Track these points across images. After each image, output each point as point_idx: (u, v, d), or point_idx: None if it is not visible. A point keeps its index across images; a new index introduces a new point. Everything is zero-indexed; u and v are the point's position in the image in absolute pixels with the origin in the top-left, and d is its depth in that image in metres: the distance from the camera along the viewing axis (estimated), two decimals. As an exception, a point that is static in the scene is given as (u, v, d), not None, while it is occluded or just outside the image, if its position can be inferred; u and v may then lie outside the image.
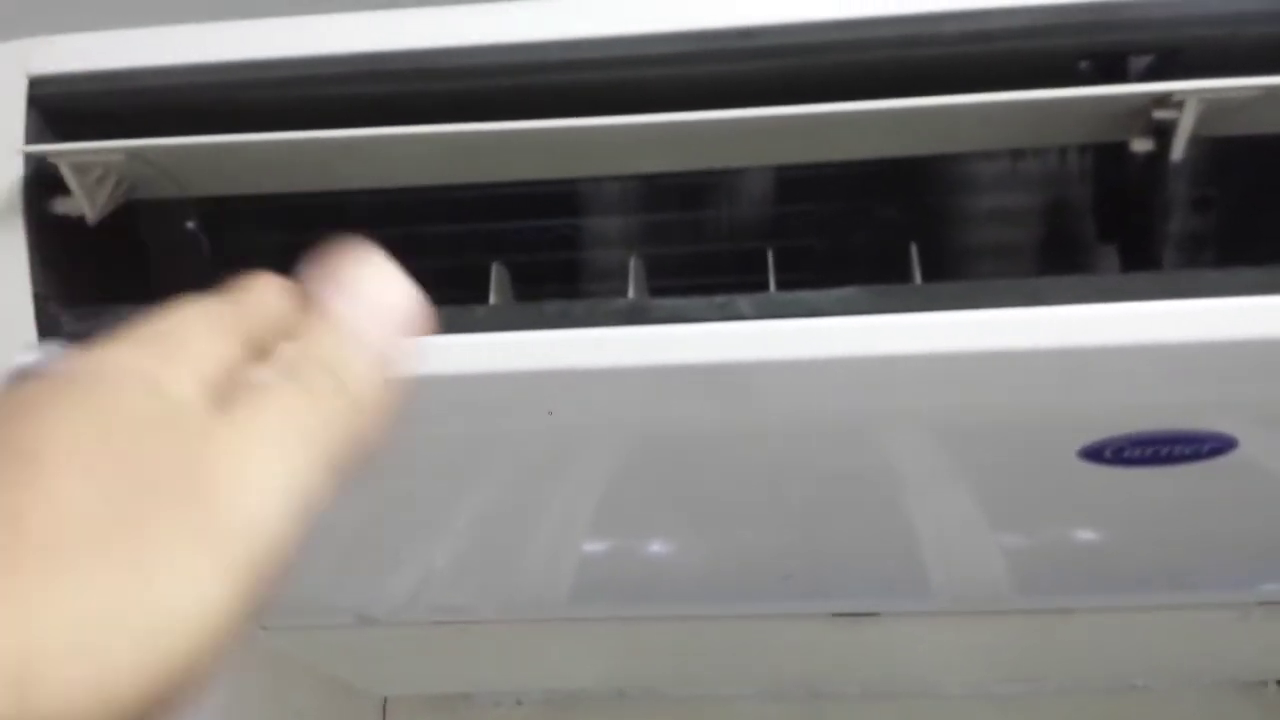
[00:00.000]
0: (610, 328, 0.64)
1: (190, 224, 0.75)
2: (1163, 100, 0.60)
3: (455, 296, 0.71)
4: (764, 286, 0.73)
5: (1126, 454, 0.68)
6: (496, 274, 0.70)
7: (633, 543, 0.94)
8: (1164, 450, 0.68)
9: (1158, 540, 0.87)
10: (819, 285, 0.65)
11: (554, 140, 0.68)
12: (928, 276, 0.72)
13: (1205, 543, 0.88)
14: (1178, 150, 0.61)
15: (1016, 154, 0.73)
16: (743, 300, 0.65)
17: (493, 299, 0.70)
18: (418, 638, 1.24)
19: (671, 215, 0.76)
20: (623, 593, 1.02)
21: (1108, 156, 0.70)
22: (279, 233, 0.76)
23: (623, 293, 0.72)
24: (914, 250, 0.70)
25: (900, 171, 0.74)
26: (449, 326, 0.65)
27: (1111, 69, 0.67)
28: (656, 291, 0.76)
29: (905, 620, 1.04)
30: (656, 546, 0.93)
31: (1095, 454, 0.68)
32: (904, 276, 0.71)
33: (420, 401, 0.71)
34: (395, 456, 0.79)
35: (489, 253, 0.73)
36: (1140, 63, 0.66)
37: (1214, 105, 0.61)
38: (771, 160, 0.70)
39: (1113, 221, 0.69)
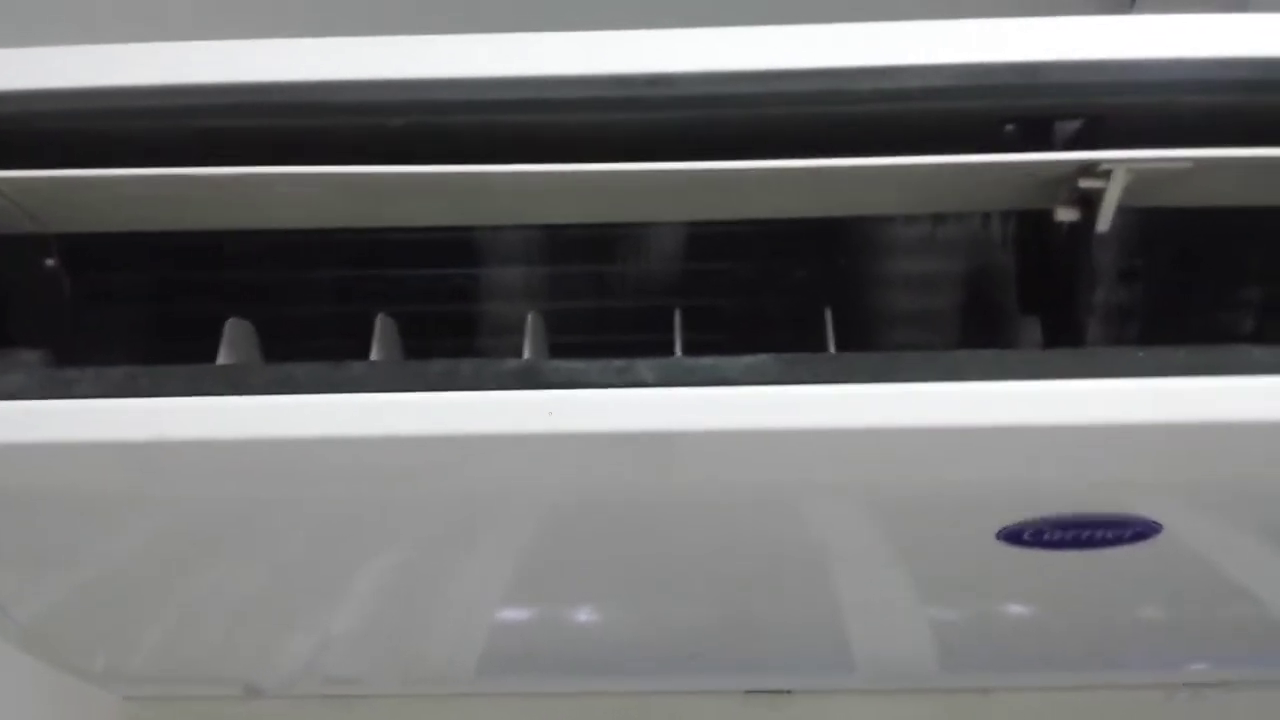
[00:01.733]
0: (500, 391, 0.59)
1: (50, 261, 0.69)
2: (1089, 169, 0.57)
3: (338, 347, 0.66)
4: (671, 346, 0.69)
5: (1046, 537, 0.64)
6: (381, 325, 0.65)
7: (534, 614, 0.89)
8: (1085, 534, 0.64)
9: (1081, 621, 0.84)
10: (729, 347, 0.61)
11: (449, 186, 0.64)
12: (843, 342, 0.69)
13: (1130, 624, 0.85)
14: (1104, 221, 0.58)
15: (938, 218, 0.69)
16: (644, 365, 0.60)
17: (375, 353, 0.64)
18: (310, 713, 1.17)
19: (575, 268, 0.71)
20: (525, 667, 0.96)
21: (1031, 224, 0.67)
22: (148, 273, 0.71)
23: (520, 349, 0.67)
24: (828, 315, 0.66)
25: (817, 232, 0.71)
26: (324, 385, 0.60)
27: (1037, 134, 0.64)
28: (558, 348, 0.71)
29: (821, 699, 0.99)
30: (561, 618, 0.88)
31: (1014, 536, 0.64)
32: (818, 340, 0.68)
33: (297, 463, 0.66)
34: (276, 518, 0.74)
35: (375, 301, 0.68)
36: (1067, 128, 0.63)
37: (1142, 176, 0.58)
38: (682, 216, 0.66)
39: (1036, 292, 0.66)
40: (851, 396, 0.58)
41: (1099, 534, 0.64)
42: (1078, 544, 0.64)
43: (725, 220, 0.69)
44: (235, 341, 0.68)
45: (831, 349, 0.65)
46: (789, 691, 0.96)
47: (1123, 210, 0.67)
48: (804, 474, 0.63)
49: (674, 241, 0.71)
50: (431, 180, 0.60)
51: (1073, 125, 0.63)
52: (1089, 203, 0.59)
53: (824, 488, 0.64)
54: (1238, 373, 0.57)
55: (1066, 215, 0.59)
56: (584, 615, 0.87)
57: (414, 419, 0.59)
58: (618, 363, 0.60)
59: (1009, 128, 0.64)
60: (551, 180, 0.59)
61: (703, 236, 0.71)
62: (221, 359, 0.66)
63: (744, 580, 0.76)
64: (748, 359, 0.59)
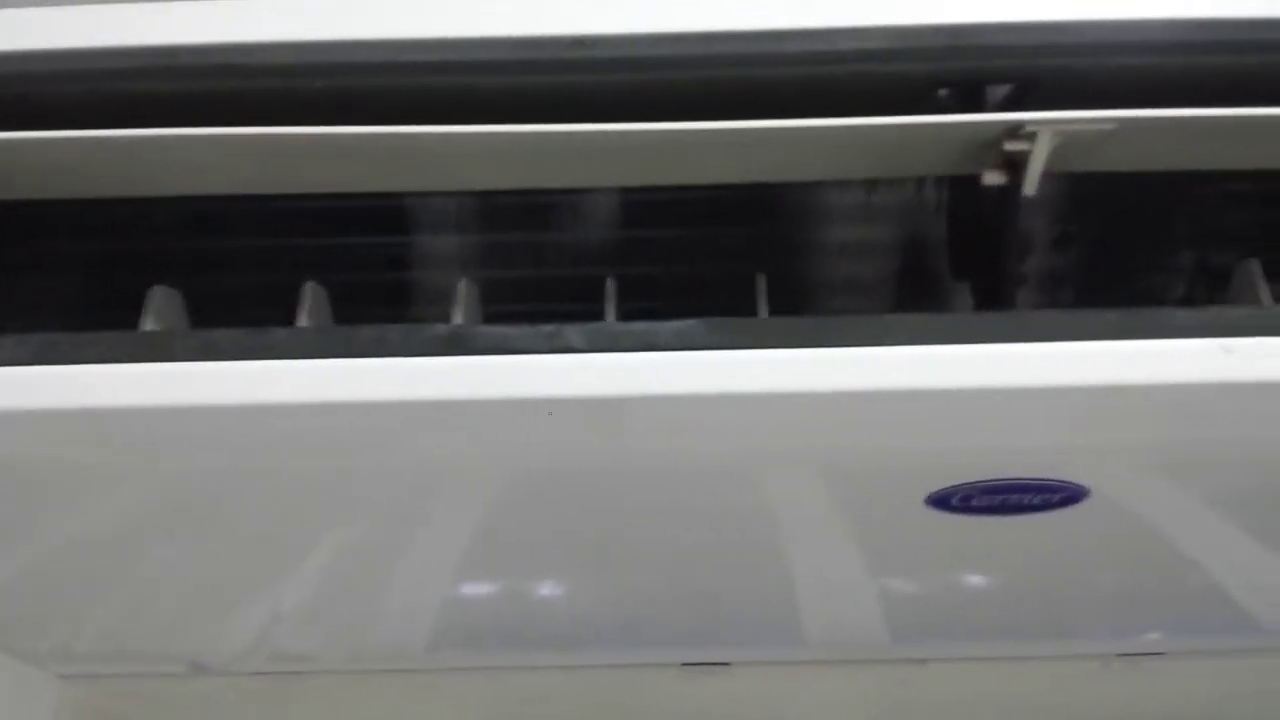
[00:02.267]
0: (427, 357, 0.59)
1: (-28, 231, 0.68)
2: (1015, 131, 0.57)
3: (269, 317, 0.65)
4: (604, 314, 0.68)
5: (975, 502, 0.65)
6: (310, 294, 0.64)
7: (473, 588, 0.88)
8: (1013, 499, 0.64)
9: (1014, 591, 0.85)
10: (664, 314, 0.60)
11: (374, 150, 0.63)
12: (777, 309, 0.68)
13: (1063, 594, 0.85)
14: (1030, 184, 0.58)
15: (871, 185, 0.69)
16: (573, 330, 0.59)
17: (302, 320, 0.63)
18: (258, 689, 1.16)
19: (509, 236, 0.71)
20: (463, 641, 0.95)
21: (964, 190, 0.67)
22: (70, 242, 0.69)
23: (452, 318, 0.66)
24: (760, 281, 0.66)
25: (753, 199, 0.70)
26: (247, 351, 0.59)
27: (970, 98, 0.64)
28: (493, 317, 0.70)
29: (759, 670, 0.99)
30: (495, 592, 0.88)
31: (943, 502, 0.65)
32: (752, 307, 0.68)
33: (221, 431, 0.65)
34: (210, 489, 0.73)
35: (307, 271, 0.67)
36: (998, 92, 0.63)
37: (1068, 139, 0.58)
38: (613, 182, 0.66)
39: (968, 258, 0.66)
40: (780, 361, 0.58)
41: (1026, 499, 0.64)
42: (1005, 509, 0.65)
43: (661, 187, 0.68)
44: (160, 310, 0.67)
45: (764, 315, 0.65)
46: (727, 664, 0.96)
47: (1054, 176, 0.67)
48: (734, 440, 0.62)
49: (609, 209, 0.70)
50: (353, 143, 0.59)
51: (1004, 90, 0.63)
52: (1016, 167, 0.59)
53: (754, 454, 0.64)
54: (1162, 336, 0.57)
55: (994, 179, 0.59)
56: (518, 588, 0.86)
57: (339, 385, 0.58)
58: (546, 328, 0.59)
59: (942, 92, 0.64)
60: (476, 142, 0.58)
61: (639, 204, 0.70)
62: (146, 327, 0.65)
63: (678, 550, 0.76)
64: (677, 324, 0.59)
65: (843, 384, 0.58)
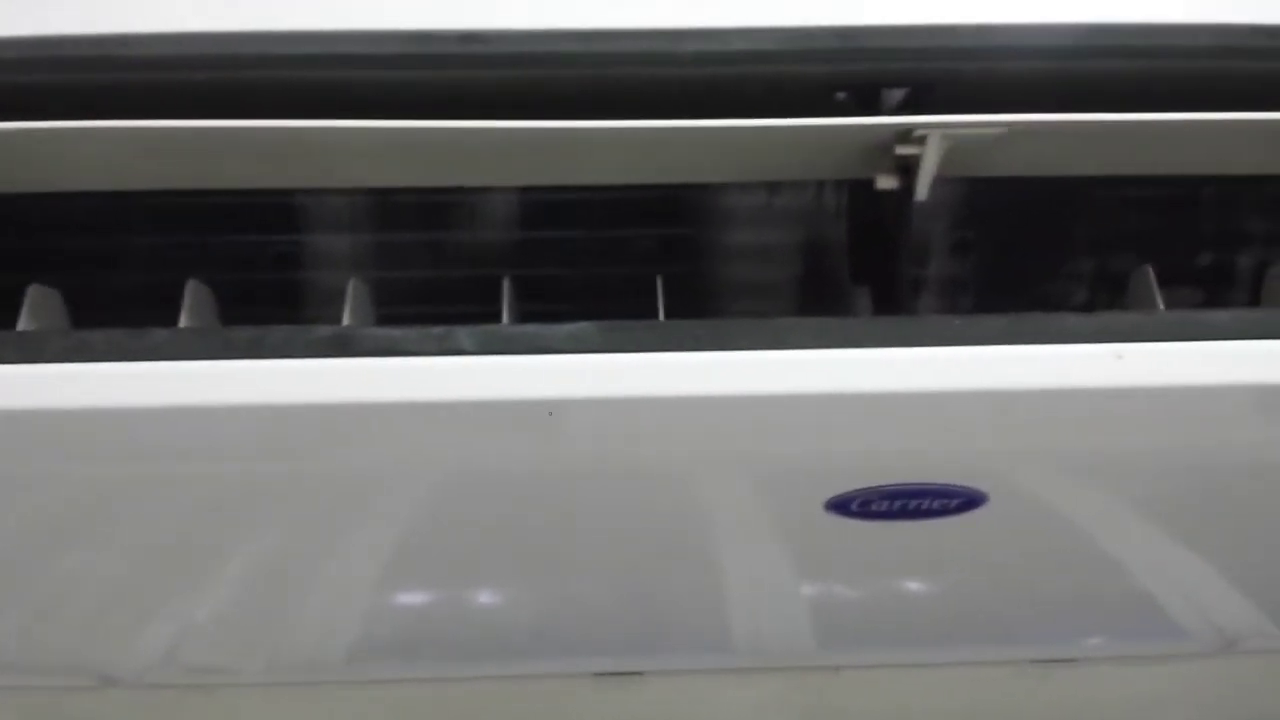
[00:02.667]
0: (310, 359, 0.57)
1: None
2: (906, 136, 0.57)
3: (155, 317, 0.63)
4: (501, 317, 0.67)
5: (874, 507, 0.64)
6: (192, 293, 0.62)
7: (377, 598, 0.86)
8: (912, 504, 0.64)
9: (923, 597, 0.84)
10: (565, 317, 0.59)
11: (263, 143, 0.61)
12: (680, 312, 0.67)
13: (972, 601, 0.85)
14: (922, 188, 0.58)
15: (773, 189, 0.69)
16: (463, 333, 0.58)
17: (184, 321, 0.61)
18: (171, 702, 1.12)
19: (406, 236, 0.69)
20: (375, 654, 0.93)
21: (863, 195, 0.67)
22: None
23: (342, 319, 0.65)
24: (659, 284, 0.65)
25: (654, 201, 0.69)
26: (122, 353, 0.57)
27: (867, 103, 0.64)
28: (386, 319, 0.69)
29: (672, 679, 0.98)
30: (404, 602, 0.86)
31: (842, 506, 0.64)
32: (652, 310, 0.67)
33: (98, 435, 0.63)
34: (99, 496, 0.70)
35: (191, 269, 0.65)
36: (894, 97, 0.63)
37: (959, 143, 0.58)
38: (509, 181, 0.65)
39: (866, 262, 0.66)
40: (673, 365, 0.57)
41: (925, 503, 0.64)
42: (905, 514, 0.64)
43: (561, 188, 0.67)
44: (37, 309, 0.65)
45: (662, 317, 0.64)
46: (640, 673, 0.95)
47: (953, 182, 0.67)
48: (629, 445, 0.61)
49: (508, 210, 0.69)
50: (238, 136, 0.58)
51: (900, 94, 0.63)
52: (909, 171, 0.59)
53: (651, 459, 0.63)
54: (1054, 341, 0.57)
55: (887, 183, 0.59)
56: (426, 599, 0.84)
57: (216, 388, 0.56)
58: (437, 330, 0.58)
59: (840, 96, 0.64)
60: (363, 137, 0.57)
61: (538, 205, 0.69)
62: (22, 326, 0.63)
63: (582, 558, 0.74)
64: (569, 326, 0.58)
65: (736, 388, 0.57)
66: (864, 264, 0.66)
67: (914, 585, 0.81)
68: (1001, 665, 0.97)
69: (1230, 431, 0.64)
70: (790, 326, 0.58)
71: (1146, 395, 0.59)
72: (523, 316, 0.67)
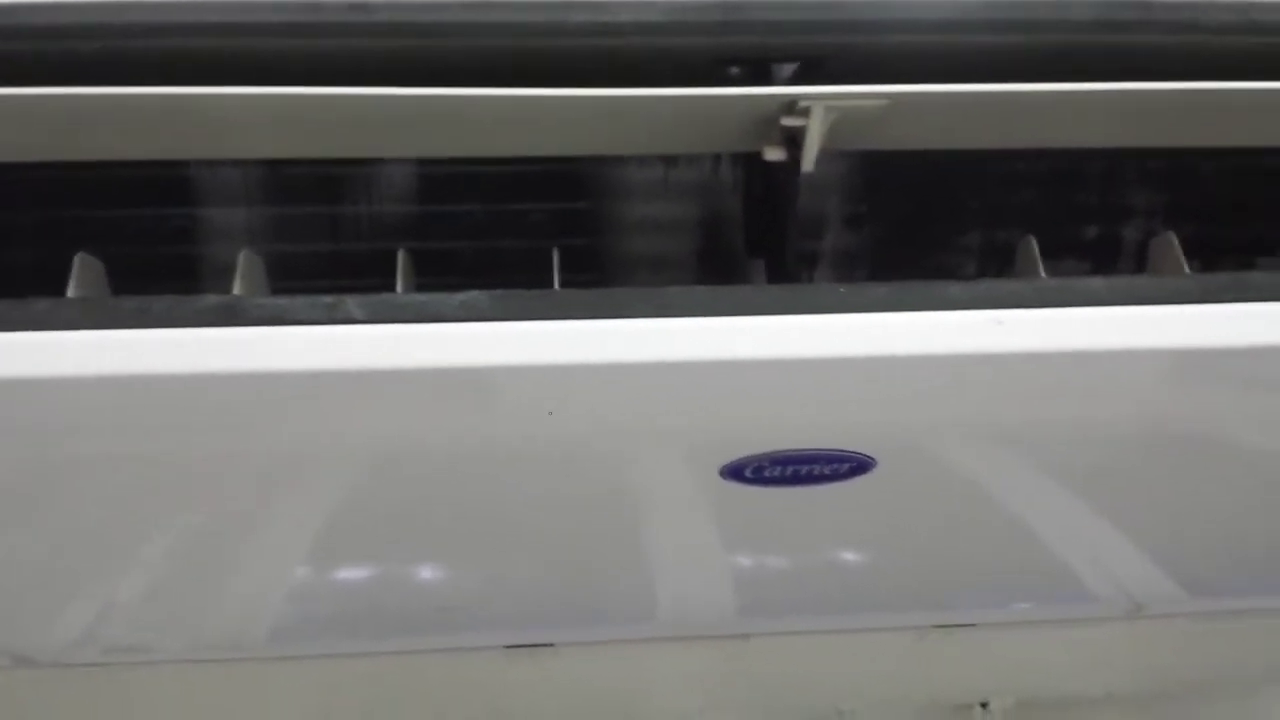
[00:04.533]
0: (197, 328, 0.57)
1: None
2: (791, 107, 0.58)
3: (41, 293, 0.62)
4: (396, 289, 0.67)
5: (767, 473, 0.65)
6: (80, 265, 0.61)
7: (289, 572, 0.86)
8: (804, 470, 0.65)
9: (825, 564, 0.86)
10: (461, 289, 0.59)
11: (153, 112, 0.60)
12: (577, 286, 0.68)
13: (872, 567, 0.87)
14: (808, 160, 0.59)
15: (670, 162, 0.69)
16: (354, 302, 0.58)
17: (71, 293, 0.61)
18: (89, 681, 1.11)
19: (301, 210, 0.69)
20: (287, 629, 0.93)
21: (758, 168, 0.68)
22: None
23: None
24: (555, 256, 0.65)
25: (553, 174, 0.70)
26: (2, 323, 0.56)
27: (758, 76, 0.65)
28: (281, 292, 0.68)
29: (584, 650, 0.99)
30: (315, 576, 0.85)
31: (736, 473, 0.65)
32: (549, 282, 0.67)
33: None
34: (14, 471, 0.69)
35: (82, 244, 0.64)
36: (784, 70, 0.64)
37: (844, 115, 0.59)
38: (403, 153, 0.65)
39: (760, 235, 0.67)
40: (565, 333, 0.58)
41: (817, 469, 0.65)
42: (798, 480, 0.66)
43: (459, 160, 0.68)
44: (-79, 282, 0.64)
45: (555, 288, 0.65)
46: (551, 645, 0.96)
47: (845, 156, 0.68)
48: (523, 414, 0.62)
49: (405, 182, 0.69)
50: (126, 104, 0.57)
51: (791, 68, 0.64)
52: (796, 143, 0.60)
53: (546, 428, 0.63)
54: (935, 308, 0.59)
55: (774, 155, 0.60)
56: (337, 573, 0.84)
57: (104, 358, 0.56)
58: (326, 299, 0.58)
59: (734, 70, 0.65)
60: (251, 105, 0.57)
61: (435, 178, 0.69)
62: (-97, 300, 0.62)
63: (487, 530, 0.75)
64: (461, 295, 0.58)
65: (628, 356, 0.58)
66: (759, 237, 0.67)
67: (815, 552, 0.83)
68: (904, 630, 0.99)
69: (1110, 396, 0.66)
70: (679, 295, 0.58)
71: (1026, 360, 0.61)
72: (420, 290, 0.67)
